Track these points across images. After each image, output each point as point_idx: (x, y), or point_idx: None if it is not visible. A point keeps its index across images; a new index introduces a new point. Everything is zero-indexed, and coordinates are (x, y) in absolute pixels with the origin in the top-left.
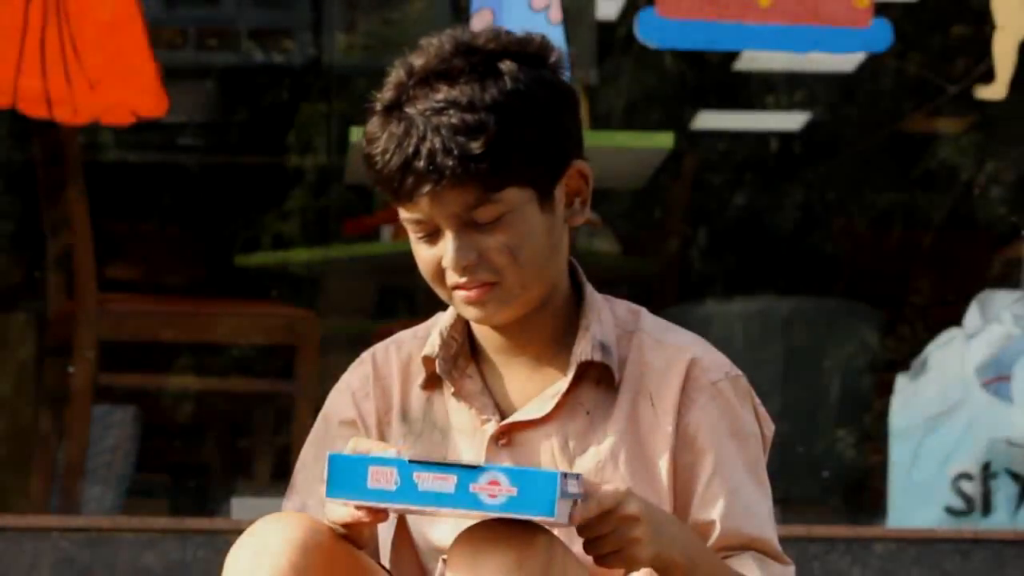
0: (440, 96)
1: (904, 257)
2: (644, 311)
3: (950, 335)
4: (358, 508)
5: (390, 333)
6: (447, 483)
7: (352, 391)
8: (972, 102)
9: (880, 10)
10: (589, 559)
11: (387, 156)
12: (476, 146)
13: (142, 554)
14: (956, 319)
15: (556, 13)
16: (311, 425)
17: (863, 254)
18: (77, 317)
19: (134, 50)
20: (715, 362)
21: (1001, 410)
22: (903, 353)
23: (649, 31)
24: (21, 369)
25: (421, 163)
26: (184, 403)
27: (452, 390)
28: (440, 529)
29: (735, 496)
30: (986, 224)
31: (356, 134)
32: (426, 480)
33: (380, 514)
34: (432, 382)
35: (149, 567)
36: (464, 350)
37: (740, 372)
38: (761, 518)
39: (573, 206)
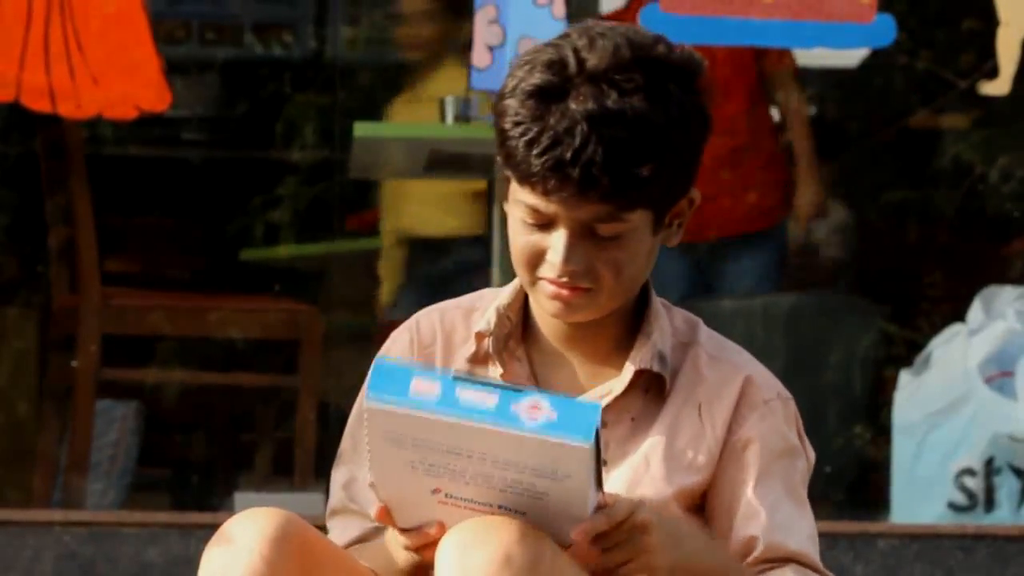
0: (611, 104)
1: (908, 253)
2: (701, 323)
3: (953, 331)
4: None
5: (394, 328)
6: (488, 400)
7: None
8: (977, 98)
9: (884, 5)
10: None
11: (537, 148)
12: (640, 171)
13: (144, 549)
14: (960, 315)
15: (560, 8)
16: (314, 420)
17: (867, 250)
18: (80, 311)
19: (137, 44)
20: (768, 383)
21: (1004, 406)
22: (907, 349)
23: (653, 26)
24: (23, 363)
25: (575, 171)
26: (187, 398)
27: (501, 371)
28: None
29: (776, 511)
30: (990, 220)
31: (359, 128)
32: (468, 395)
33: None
34: (478, 357)
35: (151, 562)
36: (517, 332)
37: (790, 396)
38: (802, 535)
39: (672, 227)
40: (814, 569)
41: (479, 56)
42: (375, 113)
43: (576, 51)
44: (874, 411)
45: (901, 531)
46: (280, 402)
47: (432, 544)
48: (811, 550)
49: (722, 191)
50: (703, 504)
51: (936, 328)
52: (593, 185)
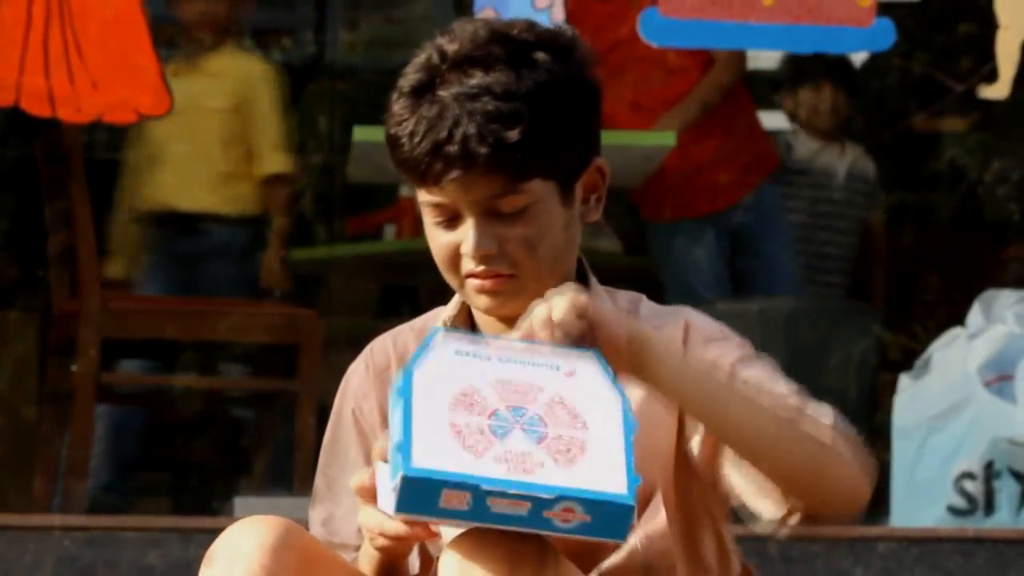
0: (475, 81)
1: (908, 256)
2: (643, 298)
3: (953, 335)
4: (410, 524)
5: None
6: (520, 508)
7: (352, 391)
8: (976, 101)
9: (883, 9)
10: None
11: (416, 139)
12: (512, 135)
13: (145, 553)
14: (959, 319)
15: (559, 12)
16: (314, 424)
17: (867, 253)
18: (80, 315)
19: (137, 49)
20: (710, 324)
21: (1004, 409)
22: (907, 353)
23: (652, 30)
24: (23, 368)
25: (454, 148)
26: (187, 402)
27: None
28: (451, 532)
29: (764, 383)
30: (990, 224)
31: (359, 133)
32: (499, 504)
33: (433, 534)
34: None
35: (152, 566)
36: None
37: (736, 334)
38: (784, 389)
39: (589, 203)
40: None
41: None
42: (375, 117)
43: (439, 46)
44: (874, 415)
45: (901, 535)
46: (280, 406)
47: (405, 539)
48: (796, 397)
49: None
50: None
51: (936, 332)
52: (474, 159)
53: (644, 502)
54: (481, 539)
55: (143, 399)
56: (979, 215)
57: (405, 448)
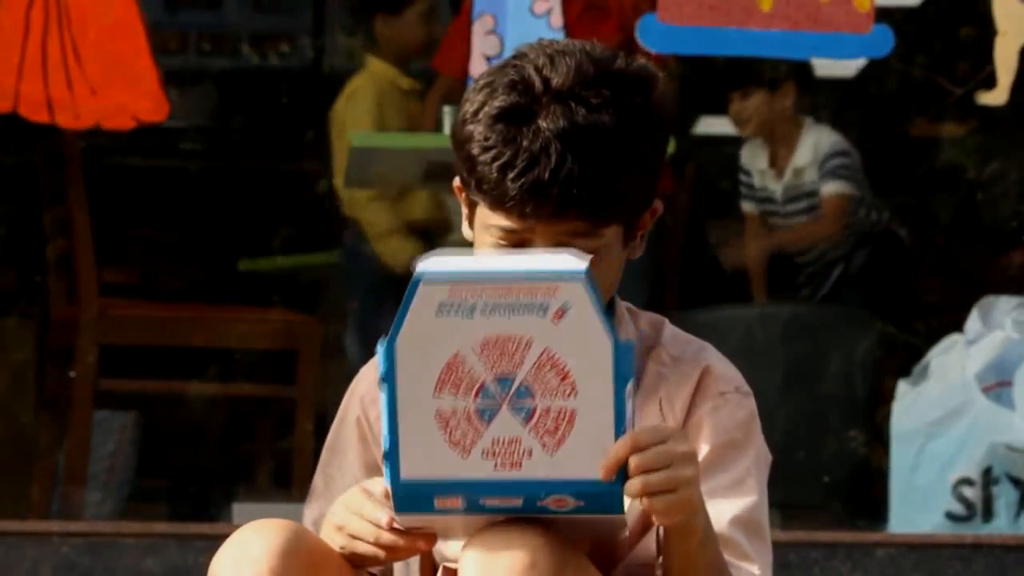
0: (581, 120)
1: (906, 262)
2: (666, 323)
3: (951, 341)
4: (411, 532)
5: None
6: (514, 502)
7: (360, 396)
8: (974, 107)
9: (881, 14)
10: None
11: (512, 172)
12: (618, 185)
13: (143, 559)
14: (958, 325)
15: (557, 18)
16: (312, 430)
17: (865, 258)
18: (78, 322)
19: (135, 55)
20: (728, 375)
21: (1002, 416)
22: (905, 359)
23: (651, 36)
24: (21, 374)
25: (554, 189)
26: (185, 408)
27: None
28: (456, 547)
29: (711, 498)
30: (987, 230)
31: (357, 139)
32: (493, 501)
33: (424, 541)
34: None
35: (150, 572)
36: None
37: (751, 392)
38: (728, 518)
39: (636, 239)
40: (734, 551)
41: (476, 66)
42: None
43: (538, 70)
44: (872, 421)
45: (899, 541)
46: (278, 412)
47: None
48: (737, 535)
49: None
50: None
51: (934, 338)
52: (573, 203)
53: (643, 529)
54: (504, 532)
55: (141, 405)
56: (977, 220)
57: (393, 457)
